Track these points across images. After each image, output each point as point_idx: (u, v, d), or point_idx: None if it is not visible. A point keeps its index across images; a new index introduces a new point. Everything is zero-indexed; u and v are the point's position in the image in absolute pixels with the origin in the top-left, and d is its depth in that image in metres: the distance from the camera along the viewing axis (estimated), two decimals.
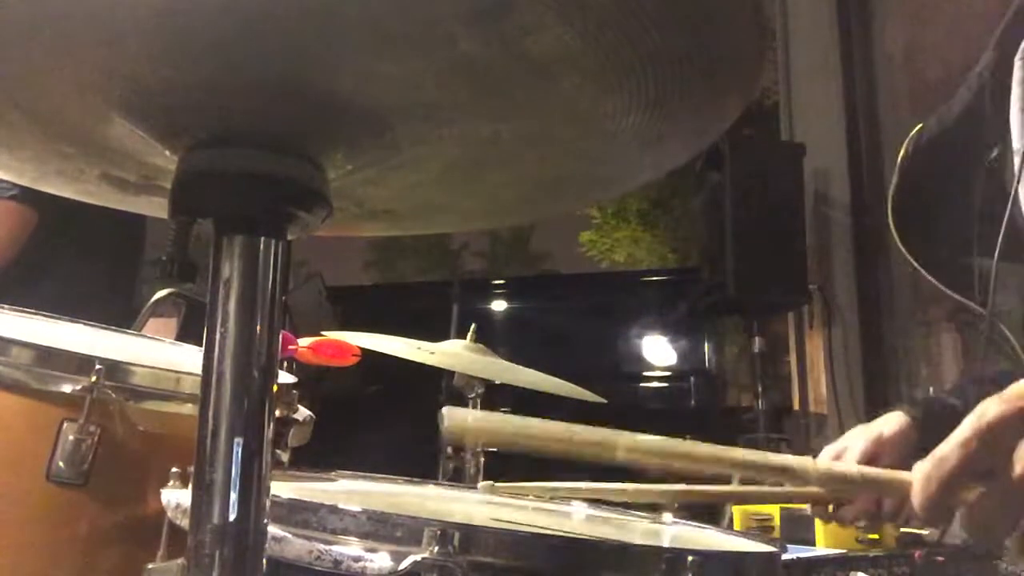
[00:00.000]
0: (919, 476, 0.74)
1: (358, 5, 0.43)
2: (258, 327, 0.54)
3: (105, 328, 1.43)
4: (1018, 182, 1.07)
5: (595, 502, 1.20)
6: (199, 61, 0.48)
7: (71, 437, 1.03)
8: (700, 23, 0.46)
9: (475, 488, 1.24)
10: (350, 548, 0.73)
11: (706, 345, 5.63)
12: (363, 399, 4.88)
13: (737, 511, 1.47)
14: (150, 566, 0.87)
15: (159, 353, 1.40)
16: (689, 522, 1.17)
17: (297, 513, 0.77)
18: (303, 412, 1.26)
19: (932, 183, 1.19)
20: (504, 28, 0.44)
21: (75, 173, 0.63)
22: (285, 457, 1.26)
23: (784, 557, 0.94)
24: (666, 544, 1.08)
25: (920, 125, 1.24)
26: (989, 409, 0.72)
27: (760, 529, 1.43)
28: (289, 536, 0.75)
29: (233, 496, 0.53)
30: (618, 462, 0.79)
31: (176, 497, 0.90)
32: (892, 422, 1.20)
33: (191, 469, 0.55)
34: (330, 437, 1.53)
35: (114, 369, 1.06)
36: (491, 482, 0.99)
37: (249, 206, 0.55)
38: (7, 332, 1.07)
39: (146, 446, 1.09)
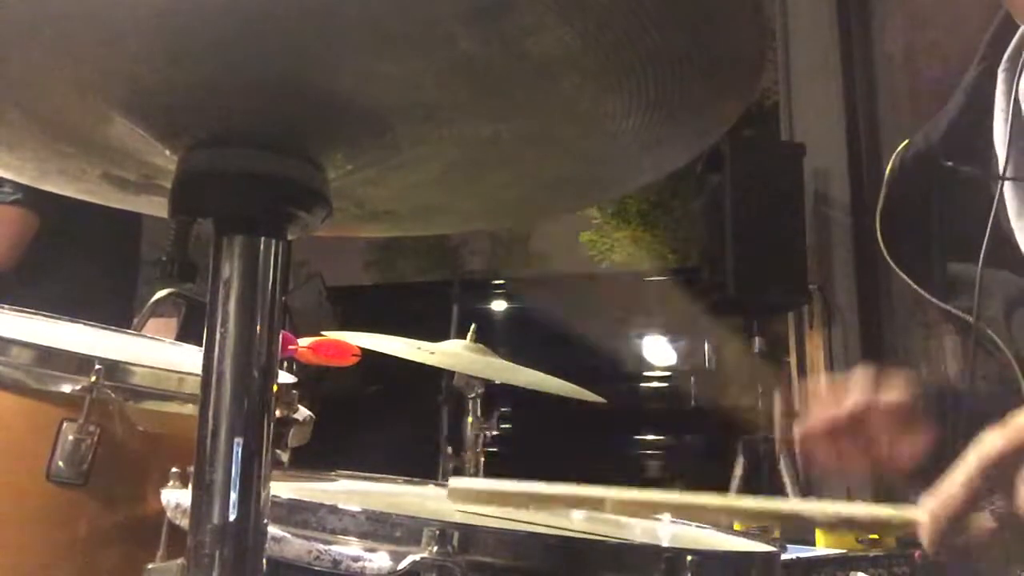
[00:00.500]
0: (927, 515, 0.75)
1: (358, 5, 0.43)
2: (258, 327, 0.54)
3: (105, 328, 1.43)
4: (1001, 187, 1.07)
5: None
6: (199, 61, 0.48)
7: (71, 437, 1.03)
8: (700, 24, 0.46)
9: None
10: (349, 548, 0.73)
11: (706, 345, 5.63)
12: (363, 399, 4.89)
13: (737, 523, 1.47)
14: (150, 566, 0.87)
15: (159, 353, 1.40)
16: (689, 522, 1.17)
17: (297, 513, 0.77)
18: (303, 412, 1.26)
19: (918, 198, 1.19)
20: (504, 28, 0.44)
21: (76, 172, 0.63)
22: (285, 457, 1.26)
23: (784, 557, 0.94)
24: (666, 544, 1.08)
25: (907, 141, 1.24)
26: (991, 442, 0.73)
27: (760, 529, 1.43)
28: (289, 536, 0.75)
29: (233, 496, 0.53)
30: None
31: (176, 497, 0.90)
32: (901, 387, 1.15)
33: (191, 469, 0.55)
34: (330, 437, 1.53)
35: (114, 369, 1.06)
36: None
37: (249, 206, 0.55)
38: (7, 332, 1.07)
39: (146, 446, 1.09)
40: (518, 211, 0.72)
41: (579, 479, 0.99)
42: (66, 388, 1.04)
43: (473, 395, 1.75)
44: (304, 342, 1.57)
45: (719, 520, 0.95)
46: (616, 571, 0.77)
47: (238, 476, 0.53)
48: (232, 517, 0.52)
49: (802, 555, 1.27)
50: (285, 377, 1.31)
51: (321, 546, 0.74)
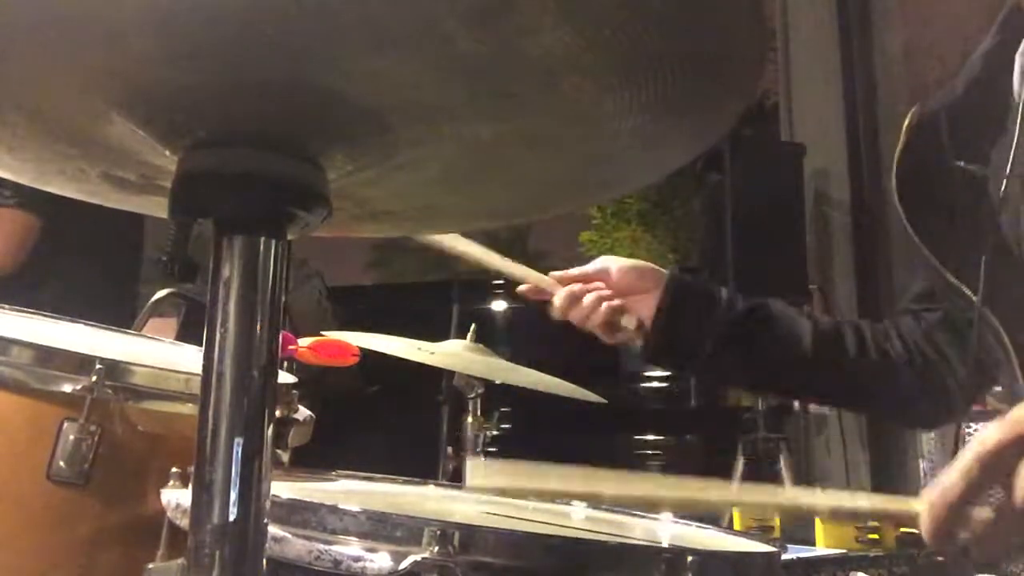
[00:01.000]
0: (926, 506, 0.76)
1: (358, 5, 0.43)
2: (258, 327, 0.54)
3: (105, 328, 1.43)
4: (1011, 171, 1.07)
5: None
6: (199, 61, 0.48)
7: (71, 437, 1.03)
8: (700, 24, 0.46)
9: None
10: (350, 548, 0.73)
11: None
12: (363, 399, 4.88)
13: (737, 511, 1.47)
14: (150, 566, 0.87)
15: (159, 353, 1.40)
16: (689, 522, 1.17)
17: (297, 513, 0.77)
18: (303, 412, 1.26)
19: (937, 153, 1.19)
20: (504, 28, 0.44)
21: (76, 173, 0.63)
22: (285, 457, 1.26)
23: (784, 557, 0.94)
24: (666, 544, 1.08)
25: (919, 103, 1.25)
26: (989, 435, 0.74)
27: (760, 529, 1.43)
28: (289, 536, 0.75)
29: (233, 496, 0.52)
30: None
31: (176, 497, 0.90)
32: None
33: (191, 469, 0.55)
34: (330, 437, 1.53)
35: (114, 369, 1.06)
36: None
37: (249, 206, 0.55)
38: (7, 332, 1.07)
39: (146, 446, 1.09)
40: (518, 211, 0.72)
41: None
42: (66, 388, 1.04)
43: (473, 395, 1.75)
44: (304, 342, 1.57)
45: (724, 509, 0.96)
46: (616, 571, 0.77)
47: (238, 476, 0.53)
48: (232, 517, 0.52)
49: (802, 555, 1.27)
50: (285, 377, 1.31)
51: (321, 546, 0.74)
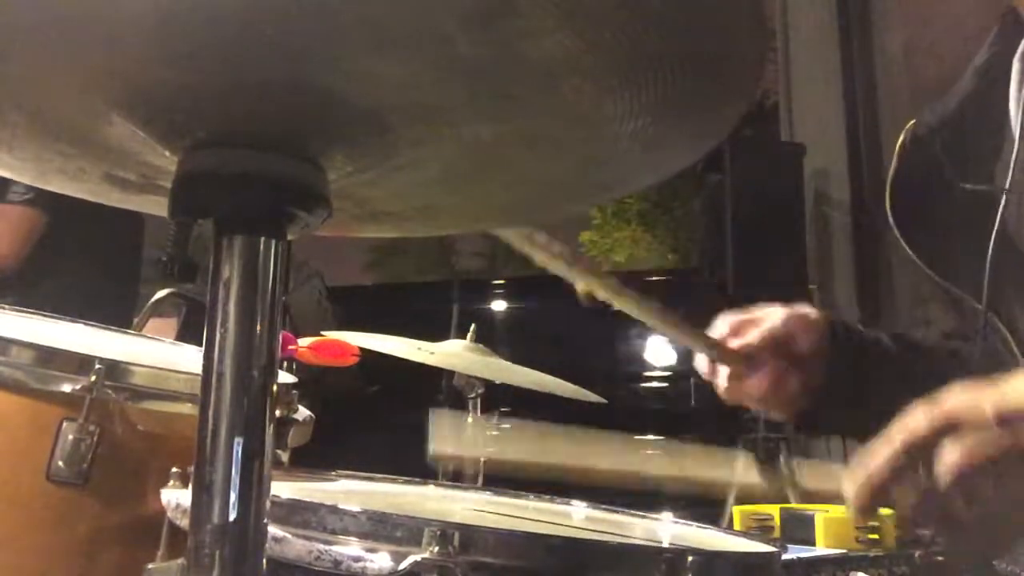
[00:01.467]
0: (850, 484, 0.78)
1: (358, 6, 0.43)
2: (258, 327, 0.54)
3: (105, 328, 1.43)
4: (1012, 179, 1.07)
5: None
6: (199, 61, 0.48)
7: (71, 437, 1.03)
8: (700, 26, 0.46)
9: (475, 488, 1.25)
10: (350, 548, 0.73)
11: None
12: (363, 399, 4.88)
13: (737, 511, 1.47)
14: (150, 566, 0.87)
15: (159, 353, 1.40)
16: (689, 522, 1.17)
17: (297, 513, 0.77)
18: (303, 412, 1.26)
19: (930, 172, 1.19)
20: (504, 30, 0.44)
21: (76, 172, 0.63)
22: (285, 457, 1.26)
23: (784, 557, 0.94)
24: (666, 544, 1.08)
25: (913, 121, 1.25)
26: (915, 418, 0.76)
27: (760, 529, 1.43)
28: (289, 536, 0.75)
29: (233, 496, 0.52)
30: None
31: (176, 497, 0.90)
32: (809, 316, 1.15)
33: (191, 469, 0.55)
34: (330, 437, 1.53)
35: (114, 369, 1.06)
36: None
37: (249, 206, 0.55)
38: (7, 332, 1.07)
39: (146, 446, 1.09)
40: (518, 212, 0.72)
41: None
42: (66, 388, 1.04)
43: (473, 395, 1.75)
44: (304, 342, 1.57)
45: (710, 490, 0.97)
46: (616, 571, 0.77)
47: (238, 476, 0.53)
48: (232, 517, 0.52)
49: (802, 555, 1.27)
50: (285, 377, 1.31)
51: (322, 546, 0.74)
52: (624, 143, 0.55)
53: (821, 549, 1.36)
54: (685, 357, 5.71)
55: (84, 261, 2.29)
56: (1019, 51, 1.12)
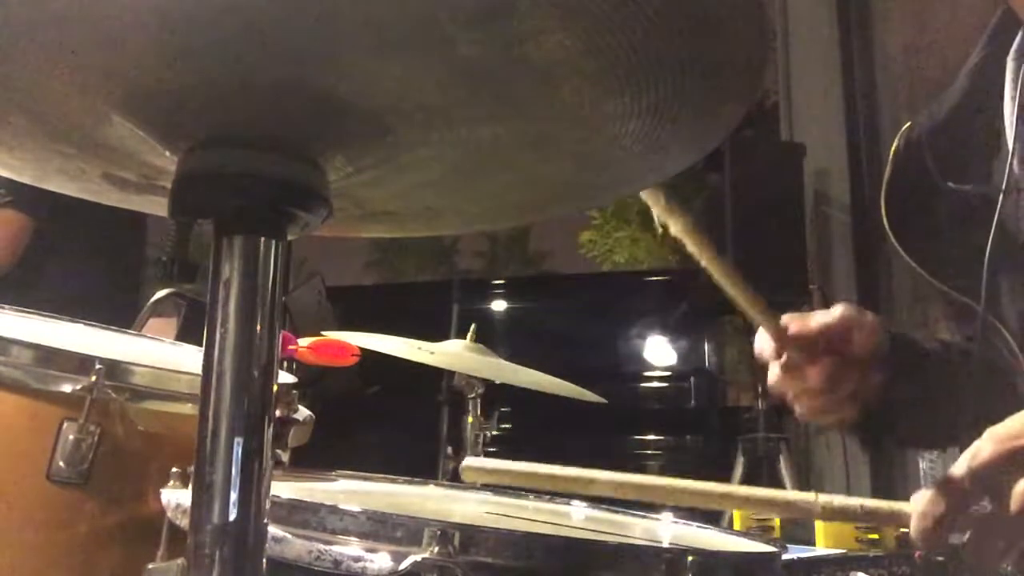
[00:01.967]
0: (916, 510, 0.78)
1: (359, 7, 0.43)
2: (258, 327, 0.54)
3: (105, 328, 1.43)
4: (1009, 172, 1.08)
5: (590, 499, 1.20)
6: (199, 61, 0.48)
7: (71, 437, 1.03)
8: (701, 28, 0.46)
9: (475, 488, 1.25)
10: (350, 548, 0.73)
11: (706, 345, 5.63)
12: (363, 399, 4.88)
13: (737, 511, 1.47)
14: (150, 566, 0.87)
15: (159, 353, 1.40)
16: (689, 522, 1.17)
17: (297, 513, 0.77)
18: (303, 412, 1.26)
19: (924, 177, 1.19)
20: (504, 32, 0.44)
21: (76, 172, 0.63)
22: (285, 457, 1.26)
23: (784, 557, 0.94)
24: (666, 544, 1.08)
25: (908, 124, 1.25)
26: (982, 449, 0.77)
27: (760, 529, 1.43)
28: (289, 536, 0.75)
29: (233, 496, 0.53)
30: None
31: (176, 497, 0.90)
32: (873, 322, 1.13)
33: (191, 469, 0.55)
34: (330, 437, 1.53)
35: (114, 369, 1.06)
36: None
37: (249, 206, 0.55)
38: (7, 332, 1.07)
39: (146, 446, 1.09)
40: (519, 213, 0.72)
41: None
42: (66, 388, 1.04)
43: (473, 395, 1.75)
44: (304, 342, 1.57)
45: (719, 507, 0.96)
46: (616, 571, 0.77)
47: (238, 476, 0.53)
48: (232, 517, 0.52)
49: (802, 555, 1.27)
50: (285, 377, 1.31)
51: (322, 546, 0.74)
52: (624, 144, 0.55)
53: (821, 549, 1.36)
54: (685, 357, 5.72)
55: (87, 261, 2.29)
56: (1012, 51, 1.12)
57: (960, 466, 0.78)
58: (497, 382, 1.72)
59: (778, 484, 3.57)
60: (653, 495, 0.90)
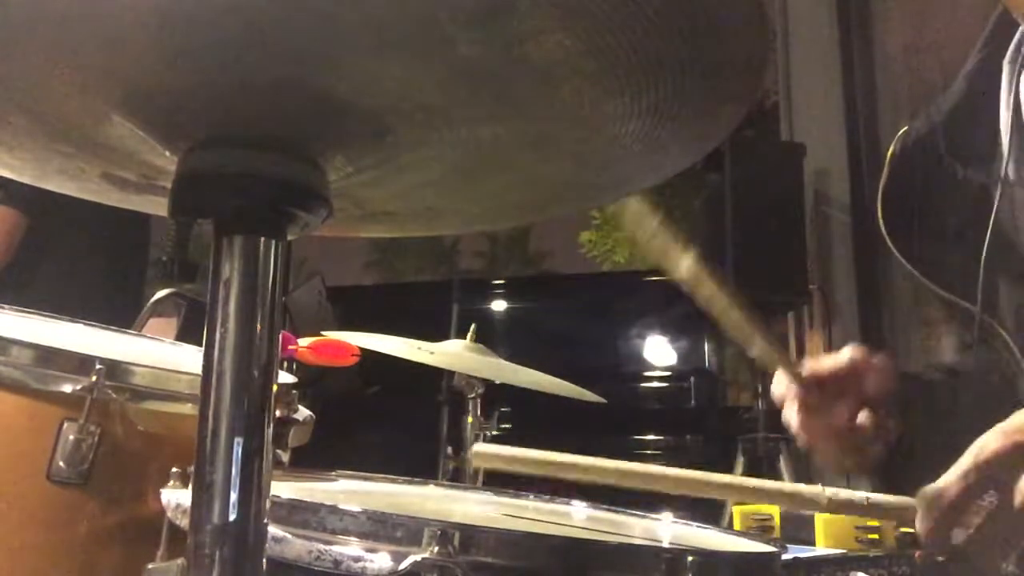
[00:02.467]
0: (922, 505, 0.78)
1: (359, 7, 0.43)
2: (258, 327, 0.54)
3: (105, 328, 1.43)
4: (1004, 177, 1.08)
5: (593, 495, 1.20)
6: (199, 61, 0.48)
7: (71, 437, 1.03)
8: (701, 28, 0.46)
9: (475, 488, 1.25)
10: (350, 548, 0.73)
11: (706, 345, 5.63)
12: (363, 399, 4.88)
13: (737, 511, 1.47)
14: (150, 566, 0.87)
15: (159, 353, 1.40)
16: (689, 522, 1.17)
17: (297, 513, 0.77)
18: (303, 412, 1.26)
19: (921, 181, 1.19)
20: (504, 32, 0.44)
21: (76, 172, 0.63)
22: (285, 457, 1.26)
23: (784, 557, 0.94)
24: (666, 544, 1.08)
25: (905, 128, 1.25)
26: (988, 443, 0.77)
27: (760, 529, 1.43)
28: (289, 536, 0.75)
29: (233, 496, 0.53)
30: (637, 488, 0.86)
31: (176, 497, 0.90)
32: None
33: (191, 469, 0.55)
34: (330, 437, 1.53)
35: (114, 369, 1.06)
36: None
37: (249, 206, 0.55)
38: (7, 332, 1.07)
39: (146, 446, 1.09)
40: (518, 213, 0.72)
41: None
42: (66, 388, 1.04)
43: (473, 395, 1.75)
44: (304, 342, 1.57)
45: (724, 496, 0.97)
46: (616, 571, 0.77)
47: (238, 476, 0.53)
48: (232, 517, 0.52)
49: (802, 555, 1.27)
50: (285, 377, 1.31)
51: (322, 546, 0.74)
52: (624, 144, 0.55)
53: (821, 549, 1.36)
54: (685, 357, 5.72)
55: (88, 261, 2.29)
56: (1009, 53, 1.12)
57: (966, 460, 0.78)
58: (497, 382, 1.72)
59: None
60: (660, 485, 0.90)
